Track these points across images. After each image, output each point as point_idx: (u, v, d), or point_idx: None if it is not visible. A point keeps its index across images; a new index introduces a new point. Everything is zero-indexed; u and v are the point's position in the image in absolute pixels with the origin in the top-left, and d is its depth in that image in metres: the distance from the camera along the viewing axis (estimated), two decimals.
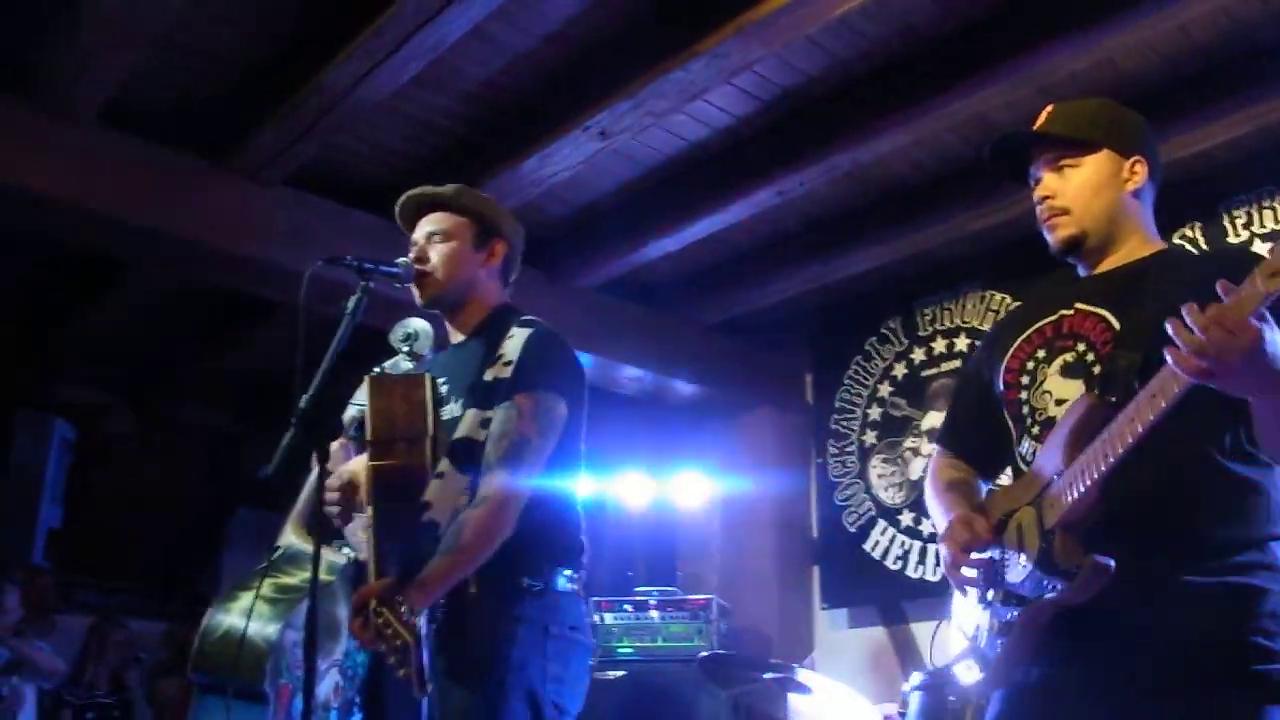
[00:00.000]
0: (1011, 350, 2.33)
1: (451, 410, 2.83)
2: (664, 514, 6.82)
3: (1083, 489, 1.97)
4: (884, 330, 6.24)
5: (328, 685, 3.14)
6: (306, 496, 3.24)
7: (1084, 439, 2.02)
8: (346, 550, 3.20)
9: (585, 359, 5.73)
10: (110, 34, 3.97)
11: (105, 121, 4.52)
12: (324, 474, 2.44)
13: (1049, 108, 2.35)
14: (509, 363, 2.77)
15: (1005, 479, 2.40)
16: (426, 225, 2.99)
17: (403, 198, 3.05)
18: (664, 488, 6.73)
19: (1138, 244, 2.29)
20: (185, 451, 7.83)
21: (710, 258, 5.91)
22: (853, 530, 6.16)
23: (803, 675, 4.45)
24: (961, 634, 2.26)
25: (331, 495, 2.79)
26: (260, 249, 4.92)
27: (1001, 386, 2.32)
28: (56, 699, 6.31)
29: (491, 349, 2.84)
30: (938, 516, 2.40)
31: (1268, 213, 4.97)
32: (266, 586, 3.04)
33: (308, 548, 3.16)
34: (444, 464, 2.72)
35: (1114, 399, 2.01)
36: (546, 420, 2.74)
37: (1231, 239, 5.05)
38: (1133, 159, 2.30)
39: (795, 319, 6.46)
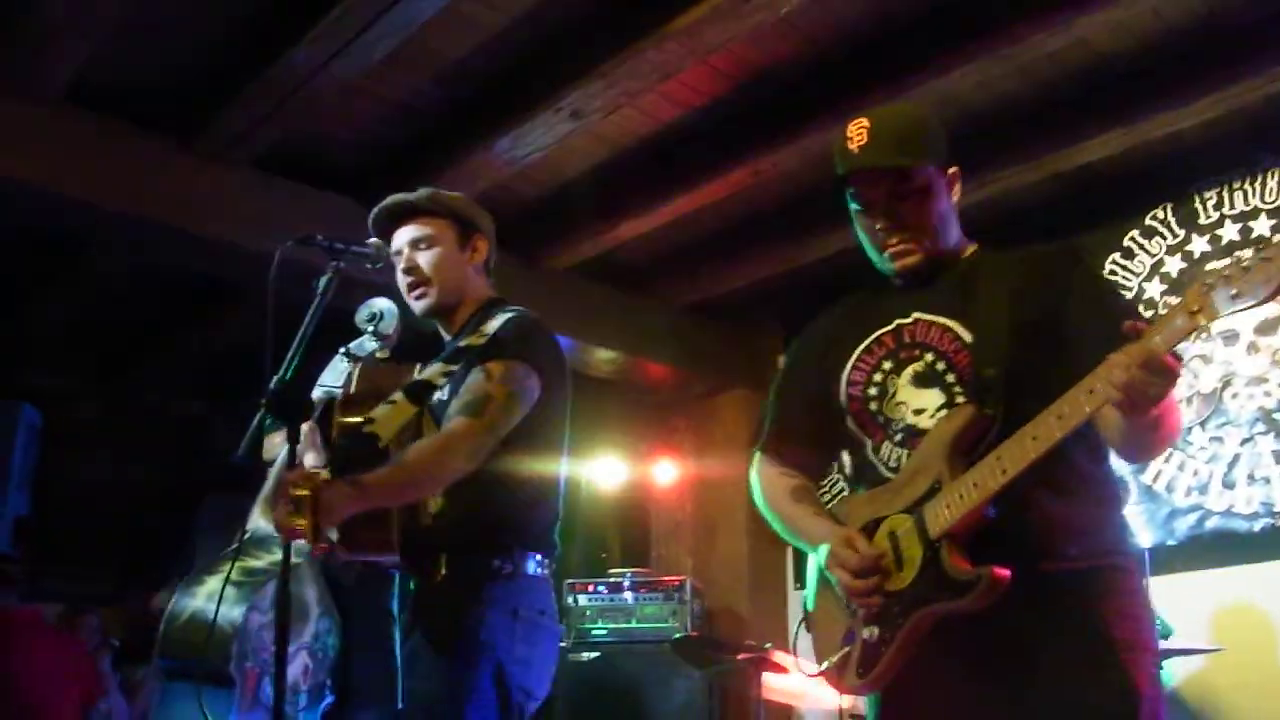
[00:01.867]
0: (852, 361, 2.34)
1: (438, 396, 2.83)
2: (637, 495, 6.83)
3: (975, 501, 2.01)
4: None
5: (297, 668, 3.12)
6: (275, 479, 3.21)
7: (964, 449, 2.08)
8: None
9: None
10: (74, 11, 3.91)
11: (70, 102, 4.46)
12: (294, 456, 2.41)
13: (865, 123, 2.27)
14: (485, 335, 2.79)
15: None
16: (408, 233, 2.97)
17: (375, 210, 3.02)
18: (637, 469, 6.73)
19: (959, 247, 2.38)
20: (154, 436, 7.76)
21: (683, 239, 5.88)
22: None
23: (777, 655, 4.45)
24: (829, 637, 2.28)
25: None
26: (228, 231, 4.87)
27: (845, 397, 2.33)
28: None
29: (476, 331, 2.85)
30: (791, 531, 2.45)
31: (1238, 194, 4.99)
32: (234, 570, 3.01)
33: (275, 530, 3.14)
34: (398, 395, 2.71)
35: (990, 411, 2.08)
36: (515, 385, 2.73)
37: (1202, 221, 5.07)
38: (951, 171, 2.35)
39: (769, 300, 6.45)
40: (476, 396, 2.68)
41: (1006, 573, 1.96)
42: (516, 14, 4.16)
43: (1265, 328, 4.79)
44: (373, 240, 2.86)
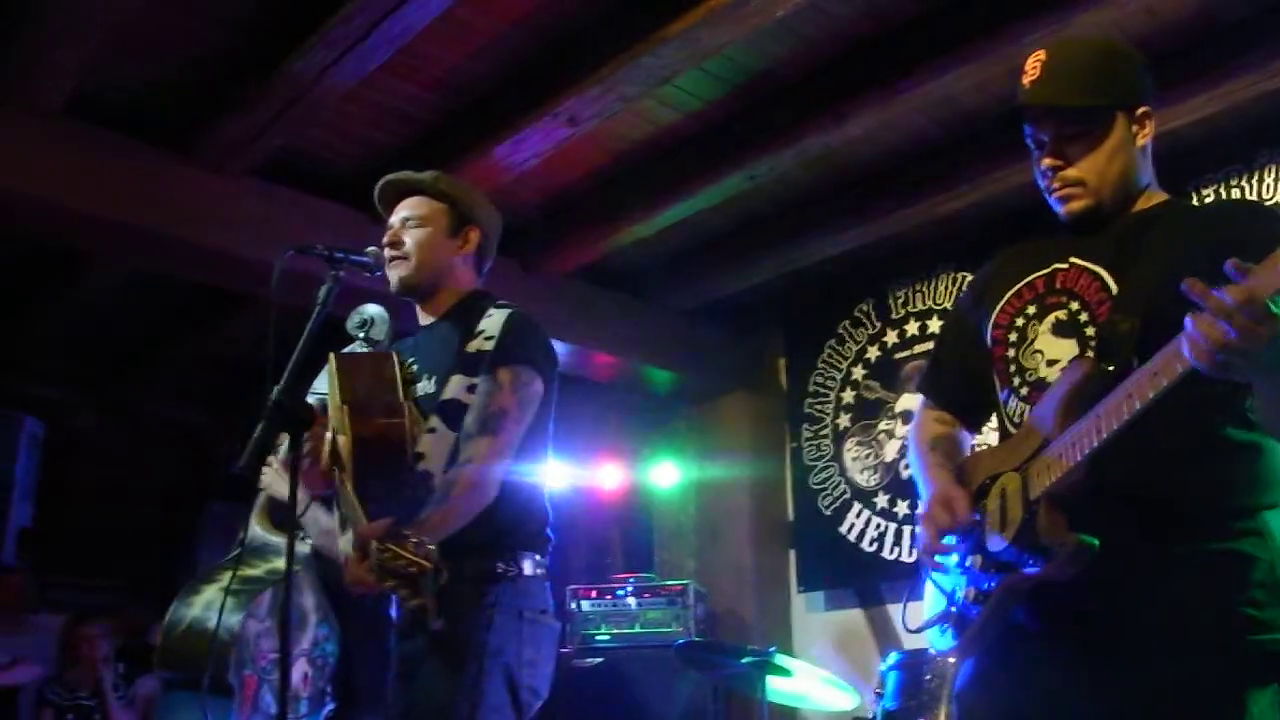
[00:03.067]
0: (1001, 303, 2.21)
1: (425, 388, 2.86)
2: (639, 500, 6.83)
3: (1072, 462, 1.87)
4: (857, 313, 6.24)
5: (296, 675, 3.13)
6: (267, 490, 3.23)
7: (1078, 406, 1.92)
8: (309, 540, 3.20)
9: (559, 346, 5.75)
10: (71, 23, 3.92)
11: (68, 114, 4.46)
12: (297, 464, 2.43)
13: (1041, 55, 2.14)
14: (490, 337, 2.84)
15: (989, 428, 2.36)
16: (402, 210, 3.03)
17: (381, 182, 3.10)
18: (639, 474, 6.73)
19: (1144, 198, 2.18)
20: (157, 445, 7.77)
21: (682, 243, 5.89)
22: (828, 513, 6.17)
23: (781, 658, 4.46)
24: (938, 593, 2.19)
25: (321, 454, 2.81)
26: (228, 240, 4.87)
27: (990, 342, 2.22)
28: (39, 697, 6.25)
29: (468, 328, 2.89)
30: (919, 479, 2.31)
31: (1235, 191, 4.98)
32: (230, 579, 3.02)
33: (271, 538, 3.16)
34: (434, 420, 2.78)
35: (1111, 367, 1.92)
36: (524, 394, 2.80)
37: None
38: (1141, 111, 2.18)
39: (768, 303, 6.46)
40: (491, 412, 2.74)
41: (1093, 543, 1.82)
42: (512, 21, 4.18)
43: None
44: (371, 249, 2.88)
